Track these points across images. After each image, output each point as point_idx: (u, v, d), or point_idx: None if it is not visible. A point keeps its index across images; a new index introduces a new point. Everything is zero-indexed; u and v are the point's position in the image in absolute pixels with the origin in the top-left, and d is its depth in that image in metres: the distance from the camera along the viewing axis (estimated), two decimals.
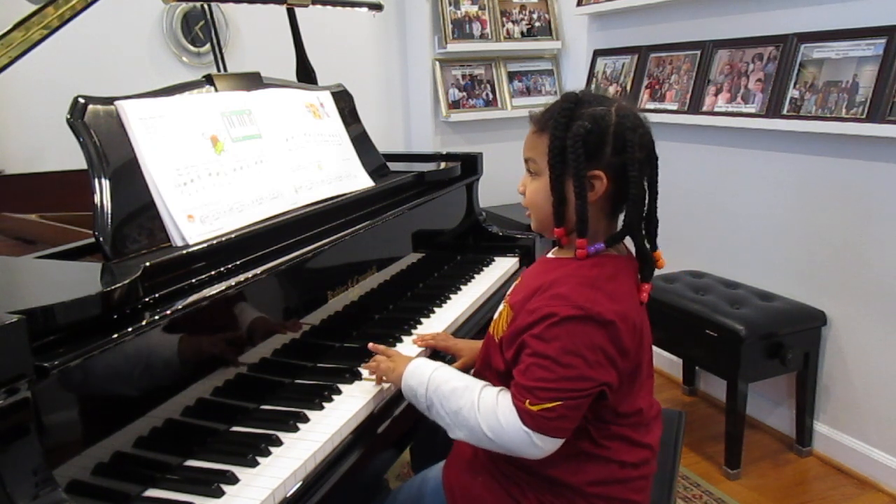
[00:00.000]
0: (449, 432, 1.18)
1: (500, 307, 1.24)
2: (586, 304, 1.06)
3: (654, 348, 2.81)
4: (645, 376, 1.18)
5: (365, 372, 1.36)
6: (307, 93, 1.74)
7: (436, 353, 1.54)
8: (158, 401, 1.08)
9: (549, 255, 1.22)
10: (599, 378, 1.07)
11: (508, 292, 1.25)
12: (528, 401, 1.06)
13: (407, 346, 1.52)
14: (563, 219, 1.14)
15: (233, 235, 1.30)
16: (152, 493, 1.04)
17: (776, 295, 2.46)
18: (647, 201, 1.14)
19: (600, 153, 1.09)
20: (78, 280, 1.06)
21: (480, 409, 1.11)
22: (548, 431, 1.07)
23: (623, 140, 1.09)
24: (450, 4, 3.54)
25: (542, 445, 1.08)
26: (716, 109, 2.63)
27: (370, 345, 1.40)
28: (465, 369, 1.40)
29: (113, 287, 0.99)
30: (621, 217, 1.16)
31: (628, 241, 1.18)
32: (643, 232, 1.15)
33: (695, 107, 2.72)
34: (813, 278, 2.40)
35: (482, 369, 1.26)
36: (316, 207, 1.52)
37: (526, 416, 1.07)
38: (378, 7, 2.29)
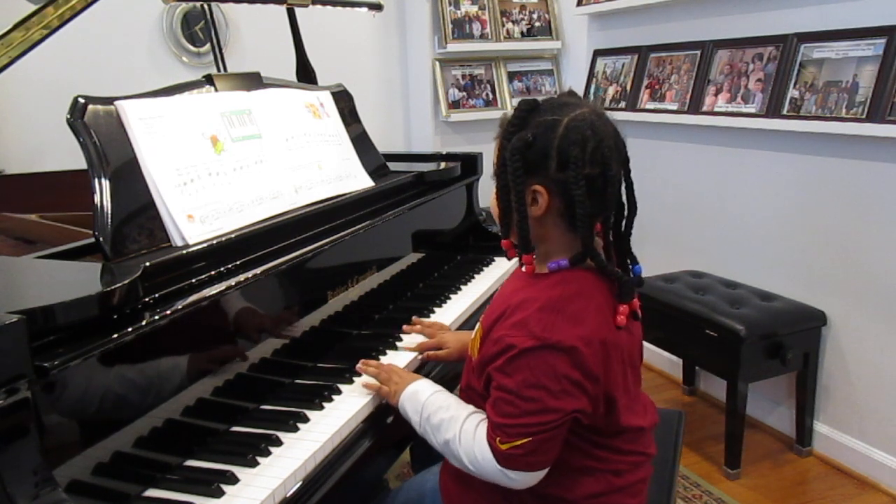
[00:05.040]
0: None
1: (476, 325, 1.21)
2: (544, 332, 1.02)
3: (655, 348, 2.83)
4: (631, 397, 1.14)
5: (363, 378, 1.35)
6: (307, 93, 1.74)
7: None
8: (158, 401, 1.08)
9: (524, 267, 1.16)
10: (566, 407, 1.03)
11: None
12: (498, 438, 1.05)
13: (406, 346, 1.51)
14: (510, 230, 1.10)
15: (233, 235, 1.30)
16: (152, 493, 1.04)
17: (776, 295, 2.46)
18: (621, 215, 1.10)
19: (543, 167, 1.04)
20: (78, 280, 1.06)
21: (462, 443, 1.11)
22: (521, 468, 1.06)
23: (566, 156, 1.02)
24: (450, 4, 3.54)
25: (519, 480, 1.07)
26: (716, 109, 2.63)
27: (360, 363, 1.36)
28: (449, 359, 1.44)
29: (113, 287, 0.99)
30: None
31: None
32: (602, 251, 1.09)
33: (695, 107, 2.72)
34: (813, 278, 2.40)
35: (465, 388, 1.23)
36: (316, 207, 1.52)
37: (498, 455, 1.06)
38: (378, 7, 2.29)
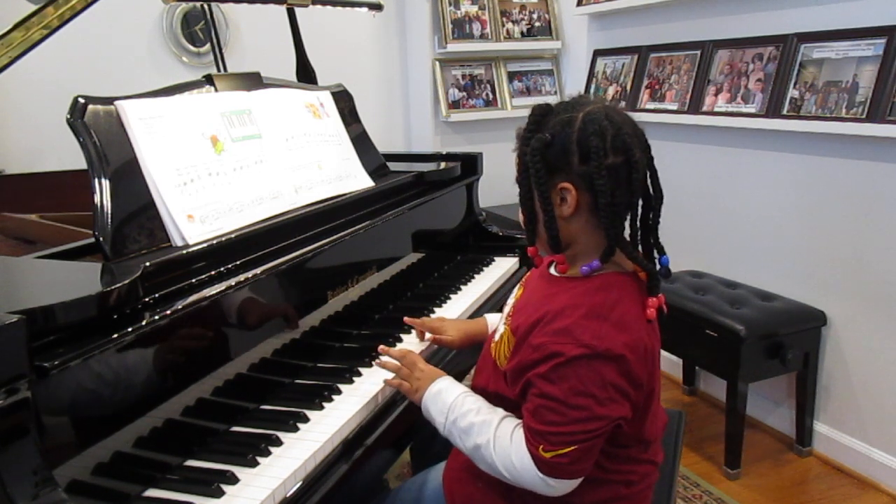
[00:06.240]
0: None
1: (500, 329, 1.19)
2: (593, 340, 1.01)
3: None
4: (656, 399, 1.14)
5: (382, 373, 1.34)
6: (307, 93, 1.74)
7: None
8: (158, 401, 1.08)
9: (553, 270, 1.16)
10: (612, 415, 1.02)
11: (508, 311, 1.20)
12: (541, 447, 1.03)
13: (408, 345, 1.51)
14: (536, 236, 1.10)
15: (233, 235, 1.30)
16: (152, 493, 1.04)
17: (776, 295, 2.46)
18: (644, 206, 1.09)
19: (566, 163, 1.04)
20: (78, 280, 1.06)
21: (496, 449, 1.08)
22: (564, 476, 1.04)
23: (587, 147, 1.02)
24: (450, 4, 3.54)
25: (558, 487, 1.06)
26: (716, 109, 2.63)
27: (381, 350, 1.35)
28: (453, 346, 1.44)
29: (113, 287, 0.99)
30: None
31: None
32: (631, 242, 1.08)
33: (695, 107, 2.72)
34: (813, 278, 2.40)
35: (482, 392, 1.20)
36: (316, 207, 1.52)
37: (540, 463, 1.03)
38: (378, 7, 2.29)
